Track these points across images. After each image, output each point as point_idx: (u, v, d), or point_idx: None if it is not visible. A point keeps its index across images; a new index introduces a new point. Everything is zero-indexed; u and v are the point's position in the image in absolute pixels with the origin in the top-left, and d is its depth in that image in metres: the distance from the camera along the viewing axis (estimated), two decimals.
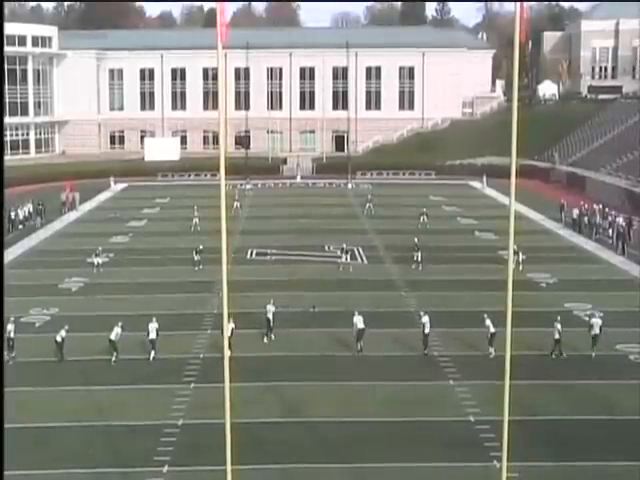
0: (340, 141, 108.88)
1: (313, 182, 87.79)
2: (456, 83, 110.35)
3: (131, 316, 35.66)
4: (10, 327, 31.95)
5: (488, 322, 31.84)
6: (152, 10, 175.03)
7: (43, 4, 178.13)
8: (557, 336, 31.81)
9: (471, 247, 52.87)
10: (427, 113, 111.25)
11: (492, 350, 31.50)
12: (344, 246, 48.24)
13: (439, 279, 44.26)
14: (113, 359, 31.51)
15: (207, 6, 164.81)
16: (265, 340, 33.77)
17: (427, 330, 32.37)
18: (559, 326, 31.92)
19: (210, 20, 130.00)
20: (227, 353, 19.77)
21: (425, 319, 32.49)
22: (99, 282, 44.19)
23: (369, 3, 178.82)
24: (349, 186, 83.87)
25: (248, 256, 50.68)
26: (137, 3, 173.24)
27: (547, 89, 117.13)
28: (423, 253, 47.22)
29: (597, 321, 32.29)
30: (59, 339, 31.63)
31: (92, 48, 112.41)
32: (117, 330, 31.67)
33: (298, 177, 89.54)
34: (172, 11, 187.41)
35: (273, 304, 34.46)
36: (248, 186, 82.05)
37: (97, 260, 47.09)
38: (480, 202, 73.21)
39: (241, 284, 38.86)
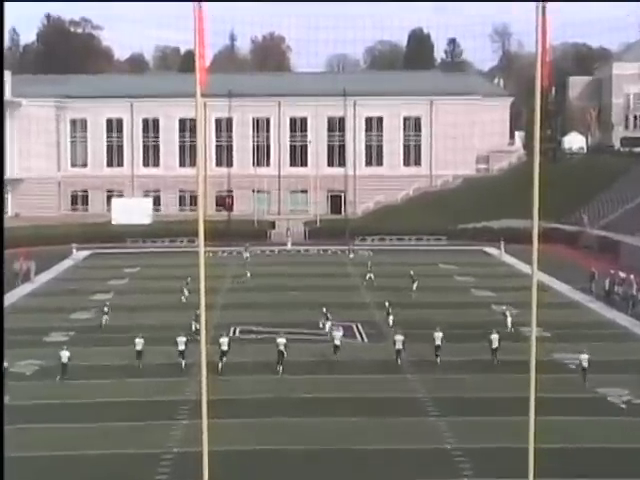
0: (336, 202, 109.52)
1: (305, 249, 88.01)
2: (469, 135, 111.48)
3: (92, 404, 35.84)
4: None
5: (436, 334, 41.91)
6: (121, 52, 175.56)
7: None
8: None
9: (488, 323, 52.77)
10: (436, 170, 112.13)
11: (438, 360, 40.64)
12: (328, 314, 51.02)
13: (451, 360, 44.11)
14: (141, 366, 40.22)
15: (184, 48, 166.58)
16: None
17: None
18: None
19: (187, 64, 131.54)
20: (206, 448, 19.69)
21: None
22: (57, 365, 43.94)
23: (369, 44, 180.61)
24: (350, 255, 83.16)
25: (231, 334, 50.57)
26: (104, 44, 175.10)
27: (574, 141, 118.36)
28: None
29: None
30: (65, 360, 39.78)
31: (51, 95, 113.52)
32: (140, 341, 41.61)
33: (289, 244, 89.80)
34: (144, 53, 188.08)
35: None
36: (246, 254, 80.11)
37: (55, 339, 46.98)
38: (497, 271, 73.42)
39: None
